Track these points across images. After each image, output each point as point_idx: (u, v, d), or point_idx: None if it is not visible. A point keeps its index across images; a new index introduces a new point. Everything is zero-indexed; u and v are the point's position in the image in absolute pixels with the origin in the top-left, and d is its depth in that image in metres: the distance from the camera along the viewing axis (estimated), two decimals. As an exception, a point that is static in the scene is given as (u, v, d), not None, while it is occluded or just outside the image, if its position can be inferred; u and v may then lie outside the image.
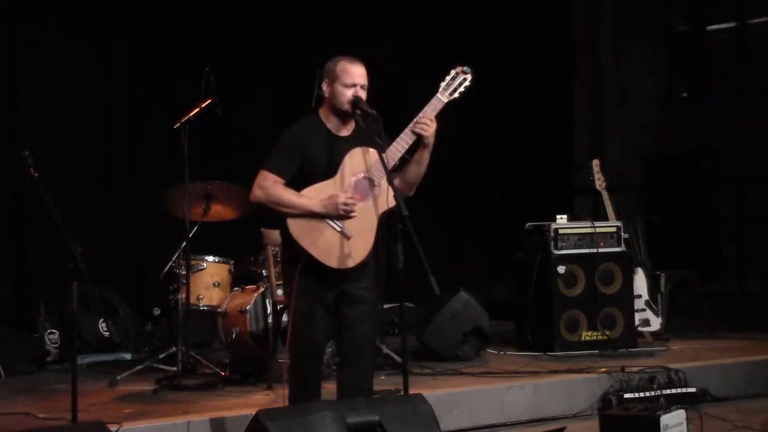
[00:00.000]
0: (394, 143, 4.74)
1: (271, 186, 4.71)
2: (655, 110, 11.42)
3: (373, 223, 4.73)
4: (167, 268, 6.94)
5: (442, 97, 4.80)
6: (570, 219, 7.59)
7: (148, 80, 8.56)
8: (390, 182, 4.61)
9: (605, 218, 7.65)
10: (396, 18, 9.55)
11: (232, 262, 7.06)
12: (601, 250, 7.47)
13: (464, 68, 4.84)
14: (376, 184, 4.74)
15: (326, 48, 5.09)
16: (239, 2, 8.87)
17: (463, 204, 9.98)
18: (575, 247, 7.48)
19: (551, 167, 10.46)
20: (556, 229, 7.47)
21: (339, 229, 4.68)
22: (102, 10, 8.38)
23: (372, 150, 4.73)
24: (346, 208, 4.66)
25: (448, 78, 4.84)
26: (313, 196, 4.69)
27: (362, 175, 4.74)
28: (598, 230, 7.52)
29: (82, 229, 7.31)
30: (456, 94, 4.82)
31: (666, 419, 5.11)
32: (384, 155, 4.65)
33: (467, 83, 4.83)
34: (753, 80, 10.75)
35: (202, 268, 6.91)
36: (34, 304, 7.70)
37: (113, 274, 8.26)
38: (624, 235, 7.58)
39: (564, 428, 5.61)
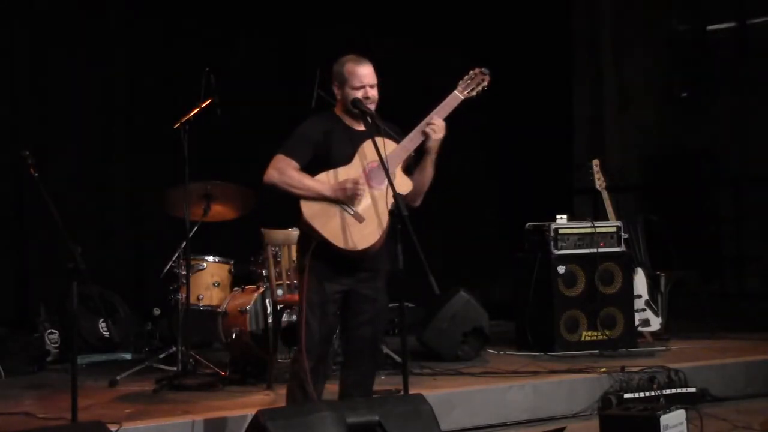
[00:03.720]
0: (402, 141, 4.79)
1: (285, 168, 4.76)
2: (655, 110, 11.42)
3: (385, 209, 4.76)
4: (167, 268, 6.94)
5: (459, 95, 4.87)
6: (570, 219, 7.59)
7: (148, 80, 8.55)
8: (390, 181, 4.63)
9: (605, 218, 7.65)
10: (395, 17, 9.54)
11: (232, 262, 7.06)
12: (601, 250, 7.47)
13: (483, 69, 4.92)
14: (390, 172, 4.77)
15: (326, 48, 5.10)
16: (239, 2, 8.87)
17: (463, 204, 9.97)
18: (575, 247, 7.48)
19: (551, 167, 10.45)
20: (556, 229, 7.47)
21: (351, 213, 4.72)
22: (102, 10, 8.38)
23: (387, 140, 4.78)
24: (355, 188, 4.69)
25: (466, 77, 4.91)
26: (326, 181, 4.74)
27: (375, 163, 4.77)
28: (598, 230, 7.51)
29: (82, 229, 7.32)
30: (473, 93, 4.90)
31: (666, 419, 5.11)
32: (408, 142, 4.73)
33: (485, 84, 4.91)
34: (753, 80, 10.74)
35: (202, 268, 6.92)
36: (34, 304, 7.70)
37: (113, 274, 8.25)
38: (624, 235, 7.58)
39: (564, 428, 5.62)
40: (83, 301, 7.40)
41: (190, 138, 6.44)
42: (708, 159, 11.11)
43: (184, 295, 6.61)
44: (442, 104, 4.85)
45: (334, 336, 5.38)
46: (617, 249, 7.53)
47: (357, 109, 4.80)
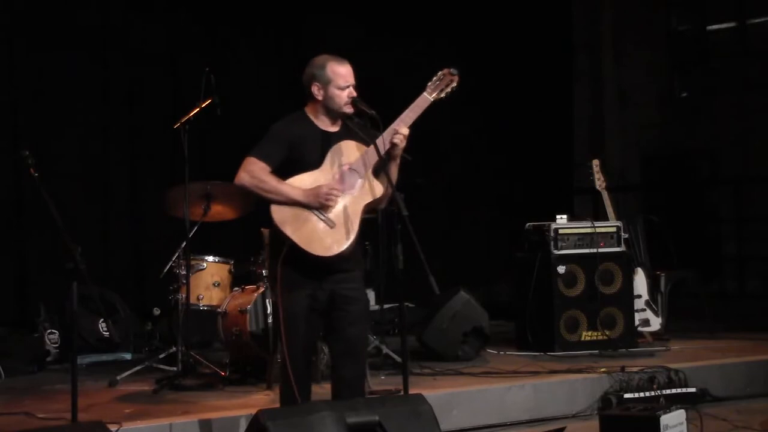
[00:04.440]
0: (372, 145, 4.79)
1: (256, 171, 4.74)
2: (655, 110, 11.43)
3: (357, 212, 4.76)
4: (167, 268, 6.93)
5: (429, 96, 4.85)
6: (570, 219, 7.59)
7: (148, 80, 8.55)
8: (390, 182, 4.63)
9: (605, 218, 7.65)
10: (396, 17, 9.54)
11: (232, 262, 7.05)
12: (601, 250, 7.47)
13: (452, 70, 4.90)
14: (360, 176, 4.78)
15: (326, 47, 5.09)
16: (239, 2, 8.87)
17: (463, 204, 9.98)
18: (575, 247, 7.48)
19: (551, 167, 10.47)
20: (556, 229, 7.47)
21: (323, 218, 4.71)
22: (102, 10, 8.38)
23: (357, 144, 4.80)
24: (329, 196, 4.69)
25: (435, 78, 4.89)
26: (298, 185, 4.73)
27: (347, 166, 4.78)
28: (598, 230, 7.51)
29: (82, 229, 7.31)
30: (443, 94, 4.88)
31: (666, 419, 5.11)
32: (379, 145, 4.70)
33: (454, 84, 4.89)
34: (753, 80, 10.75)
35: (202, 268, 6.91)
36: (34, 304, 7.71)
37: (113, 274, 8.26)
38: (624, 235, 7.58)
39: (564, 428, 5.61)
40: (83, 301, 7.37)
41: (190, 138, 6.44)
42: (708, 159, 11.12)
43: (184, 295, 6.61)
44: (412, 106, 4.83)
45: (318, 341, 5.34)
46: (617, 249, 7.53)
47: (357, 109, 4.79)
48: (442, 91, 4.86)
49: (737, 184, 10.71)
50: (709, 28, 11.43)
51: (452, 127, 9.76)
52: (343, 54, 4.89)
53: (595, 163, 7.84)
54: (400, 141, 4.75)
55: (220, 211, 6.87)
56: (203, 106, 6.58)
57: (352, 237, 4.72)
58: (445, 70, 4.89)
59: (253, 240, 6.70)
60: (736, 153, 10.69)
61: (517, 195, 10.06)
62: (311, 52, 4.96)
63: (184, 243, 6.58)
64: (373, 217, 7.06)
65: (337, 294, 4.77)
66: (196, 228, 6.73)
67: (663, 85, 11.53)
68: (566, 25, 11.09)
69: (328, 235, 4.69)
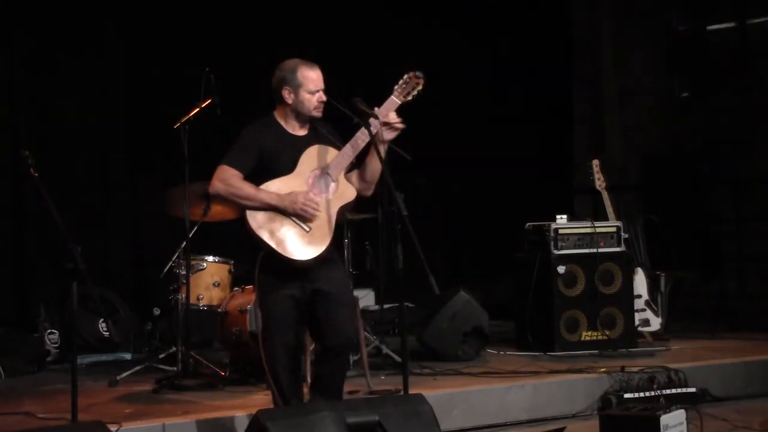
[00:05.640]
0: (344, 148, 4.84)
1: (230, 178, 4.83)
2: (655, 110, 11.41)
3: (331, 216, 4.83)
4: (167, 268, 6.94)
5: (396, 99, 4.90)
6: (570, 219, 7.59)
7: (148, 80, 8.55)
8: (386, 178, 4.65)
9: (605, 218, 7.65)
10: (396, 16, 9.53)
11: (232, 262, 7.06)
12: (601, 250, 7.47)
13: (417, 73, 4.94)
14: (333, 179, 4.84)
15: (326, 47, 5.11)
16: (239, 2, 8.86)
17: (462, 204, 9.97)
18: (575, 247, 7.48)
19: (551, 167, 10.46)
20: (556, 229, 7.47)
21: (298, 222, 4.76)
22: (101, 10, 8.38)
23: (329, 147, 4.86)
24: (305, 208, 4.73)
25: (401, 81, 4.93)
26: (273, 191, 4.78)
27: (320, 170, 4.83)
28: (598, 230, 7.52)
29: (82, 229, 7.31)
30: (409, 98, 4.92)
31: (666, 419, 5.12)
32: (361, 139, 4.77)
33: (420, 87, 4.92)
34: (753, 80, 10.75)
35: (202, 268, 6.92)
36: (34, 304, 7.71)
37: (113, 274, 8.26)
38: (624, 235, 7.58)
39: (564, 428, 5.62)
40: (83, 301, 7.35)
41: (190, 138, 6.44)
42: (708, 159, 11.10)
43: (184, 295, 6.62)
44: (380, 109, 4.87)
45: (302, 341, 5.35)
46: (617, 249, 7.53)
47: (355, 109, 4.81)
48: (408, 94, 4.91)
49: (737, 184, 10.70)
50: (709, 28, 11.42)
51: (452, 127, 9.76)
52: (343, 52, 4.91)
53: (595, 163, 7.84)
54: (394, 119, 4.80)
55: (220, 211, 6.88)
56: (203, 106, 6.58)
57: (328, 240, 4.80)
58: (411, 74, 4.94)
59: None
60: (736, 153, 10.68)
61: (517, 195, 10.05)
62: (313, 51, 4.99)
63: (184, 243, 6.59)
64: (373, 217, 7.08)
65: (319, 291, 4.82)
66: (196, 228, 6.74)
67: (663, 85, 11.51)
68: (566, 25, 11.08)
69: (305, 239, 4.76)
